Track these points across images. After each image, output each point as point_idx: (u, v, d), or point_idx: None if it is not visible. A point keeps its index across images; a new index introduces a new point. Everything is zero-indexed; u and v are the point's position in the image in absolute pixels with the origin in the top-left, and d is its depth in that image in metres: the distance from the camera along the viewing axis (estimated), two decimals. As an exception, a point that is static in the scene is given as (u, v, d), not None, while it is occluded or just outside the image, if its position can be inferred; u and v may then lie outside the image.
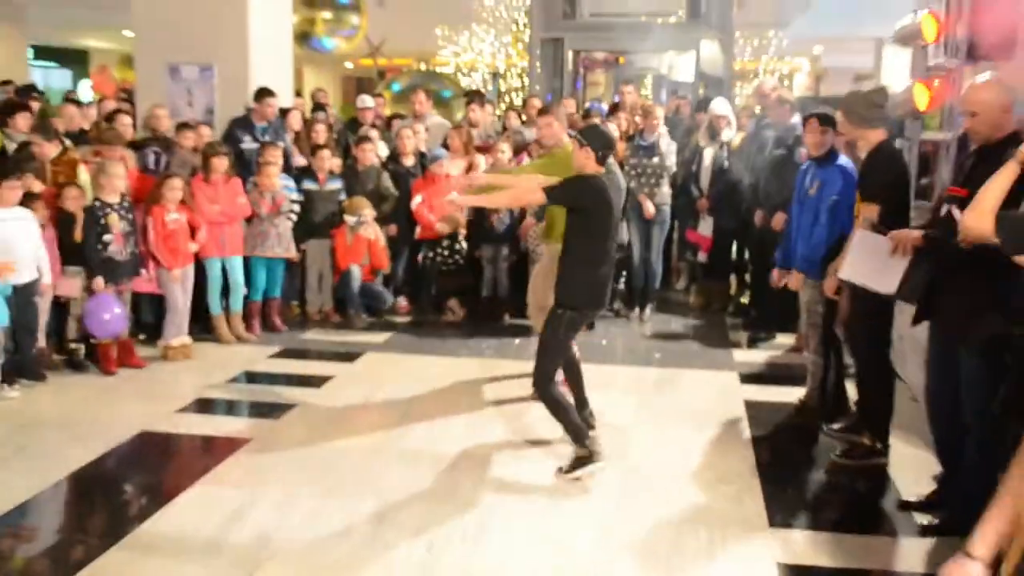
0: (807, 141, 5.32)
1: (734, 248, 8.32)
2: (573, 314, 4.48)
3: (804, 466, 4.81)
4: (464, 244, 7.74)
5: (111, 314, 6.06)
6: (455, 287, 7.84)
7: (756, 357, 6.77)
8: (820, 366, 5.29)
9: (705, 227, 7.95)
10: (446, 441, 4.97)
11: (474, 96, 9.78)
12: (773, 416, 5.46)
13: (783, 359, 6.71)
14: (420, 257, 7.99)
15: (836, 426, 5.04)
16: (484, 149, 8.11)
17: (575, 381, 5.08)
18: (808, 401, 5.44)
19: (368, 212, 7.49)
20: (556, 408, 4.53)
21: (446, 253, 7.75)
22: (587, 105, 10.73)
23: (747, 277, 8.40)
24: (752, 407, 5.57)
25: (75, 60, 20.98)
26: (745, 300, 8.22)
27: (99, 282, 6.09)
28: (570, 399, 4.81)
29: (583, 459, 4.46)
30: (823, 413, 5.23)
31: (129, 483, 4.52)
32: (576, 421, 4.54)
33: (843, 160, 5.17)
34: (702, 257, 8.11)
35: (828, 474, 4.67)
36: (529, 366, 4.60)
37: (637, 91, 9.74)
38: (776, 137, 6.90)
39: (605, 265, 4.51)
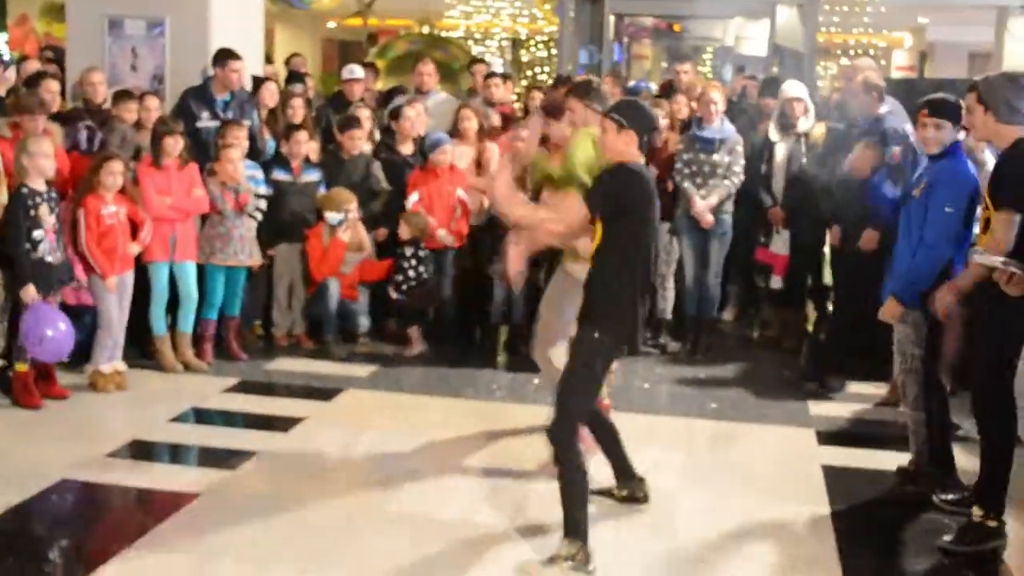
0: (919, 137, 5.31)
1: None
2: (614, 343, 4.45)
3: (900, 551, 4.79)
4: (428, 251, 7.56)
5: (55, 330, 5.97)
6: (419, 306, 7.66)
7: (838, 410, 6.76)
8: (923, 423, 5.27)
9: (779, 243, 7.90)
10: (445, 505, 4.98)
11: (480, 64, 9.76)
12: (860, 486, 5.45)
13: (873, 414, 6.70)
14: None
15: (950, 496, 5.05)
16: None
17: (612, 445, 4.95)
18: (915, 468, 5.41)
19: (353, 208, 7.51)
20: (571, 476, 4.34)
21: (406, 264, 7.56)
22: (631, 84, 10.77)
23: (829, 306, 8.39)
24: (832, 474, 5.56)
25: (-13, 8, 21.17)
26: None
27: (30, 291, 5.98)
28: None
29: (565, 559, 4.25)
30: (935, 479, 5.23)
31: (46, 544, 4.54)
32: (583, 511, 4.36)
33: (965, 159, 5.17)
34: (776, 282, 8.04)
35: (931, 562, 4.64)
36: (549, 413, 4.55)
37: (694, 69, 9.75)
38: (861, 132, 6.92)
39: (647, 277, 4.51)
